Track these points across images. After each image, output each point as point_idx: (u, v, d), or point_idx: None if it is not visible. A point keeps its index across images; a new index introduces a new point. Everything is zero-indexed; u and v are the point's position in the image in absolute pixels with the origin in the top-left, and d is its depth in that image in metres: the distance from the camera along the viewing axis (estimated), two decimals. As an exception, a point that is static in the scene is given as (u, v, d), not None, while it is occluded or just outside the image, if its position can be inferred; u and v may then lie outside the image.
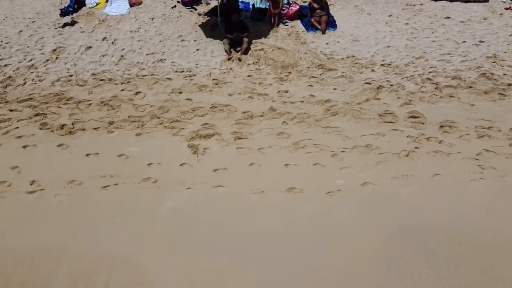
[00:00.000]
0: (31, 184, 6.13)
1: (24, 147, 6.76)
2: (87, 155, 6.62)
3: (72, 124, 7.19)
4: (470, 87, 7.95)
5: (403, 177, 6.18)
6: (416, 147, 6.66)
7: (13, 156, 6.58)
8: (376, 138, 6.86)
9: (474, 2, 11.13)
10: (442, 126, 7.06)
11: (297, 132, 6.99)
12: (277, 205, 5.77)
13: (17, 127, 7.13)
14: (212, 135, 6.94)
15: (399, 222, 5.56)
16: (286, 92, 7.92)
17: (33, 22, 10.39)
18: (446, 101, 7.64)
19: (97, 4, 11.21)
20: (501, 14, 10.57)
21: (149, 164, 6.44)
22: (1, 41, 9.50)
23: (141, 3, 11.23)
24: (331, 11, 10.46)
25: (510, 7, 10.85)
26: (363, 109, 7.46)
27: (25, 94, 7.92)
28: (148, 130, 7.09)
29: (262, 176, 6.22)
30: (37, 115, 7.39)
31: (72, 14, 10.71)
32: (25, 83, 8.22)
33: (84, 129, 7.10)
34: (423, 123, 7.15)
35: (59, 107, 7.60)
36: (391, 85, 8.05)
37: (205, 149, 6.70)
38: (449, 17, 10.41)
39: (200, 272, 5.05)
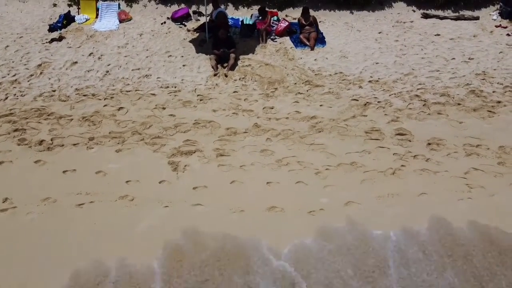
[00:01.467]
0: (3, 202, 5.91)
1: (0, 163, 6.57)
2: (64, 171, 6.43)
3: (51, 140, 7.01)
4: (459, 104, 7.83)
5: (389, 196, 5.99)
6: (402, 165, 6.49)
7: (-13, 173, 6.39)
8: (361, 155, 6.68)
9: (465, 19, 11.12)
10: (429, 144, 6.91)
11: (281, 149, 6.82)
12: (257, 225, 5.55)
13: (-6, 143, 6.97)
14: (194, 152, 6.77)
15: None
16: (272, 108, 7.78)
17: (21, 37, 10.31)
18: (434, 118, 7.50)
19: (87, 20, 11.17)
20: (491, 31, 10.54)
21: (127, 182, 6.25)
22: (-14, 57, 9.42)
23: (130, 19, 11.18)
24: (320, 28, 10.42)
25: (500, 24, 10.83)
26: (349, 126, 7.31)
27: (5, 109, 7.77)
28: (129, 146, 6.92)
29: (243, 194, 6.02)
30: (16, 130, 7.22)
31: (60, 30, 10.64)
32: (6, 98, 8.08)
33: (63, 145, 6.92)
34: (410, 141, 6.99)
35: (39, 122, 7.44)
36: (378, 102, 7.92)
37: (185, 166, 6.51)
38: (439, 34, 10.37)
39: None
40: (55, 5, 11.57)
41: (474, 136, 7.04)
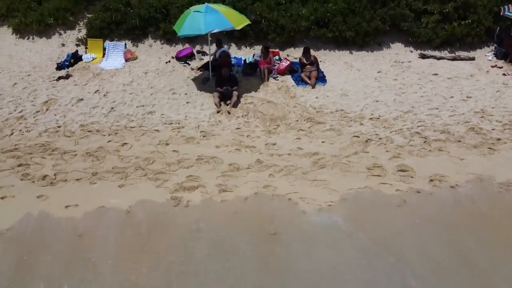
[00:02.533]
0: (4, 237, 5.88)
1: (2, 198, 6.57)
2: (66, 207, 6.41)
3: (55, 175, 7.05)
4: (459, 141, 7.91)
5: (392, 232, 5.95)
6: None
7: (-11, 207, 6.38)
8: (364, 191, 6.68)
9: (461, 60, 11.44)
10: (431, 180, 6.92)
11: (283, 184, 6.83)
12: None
13: (-2, 178, 6.99)
14: (196, 187, 6.78)
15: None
16: (274, 144, 7.86)
17: (29, 75, 10.58)
18: (435, 155, 7.56)
19: (94, 59, 11.50)
20: (487, 71, 10.81)
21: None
22: (-6, 93, 9.62)
23: (136, 58, 11.51)
24: (321, 67, 10.70)
25: (496, 65, 11.12)
26: (351, 162, 7.35)
27: (10, 144, 7.86)
28: (132, 181, 6.94)
29: (245, 230, 5.98)
30: (20, 165, 7.28)
31: (68, 68, 10.93)
32: (12, 133, 8.20)
33: (66, 180, 6.95)
34: (412, 177, 7.01)
35: (44, 157, 7.50)
36: (379, 139, 8.01)
37: (188, 201, 6.51)
38: (436, 74, 10.63)
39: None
40: (63, 44, 11.94)
41: (475, 173, 7.06)
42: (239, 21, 9.33)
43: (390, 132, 8.21)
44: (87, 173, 7.10)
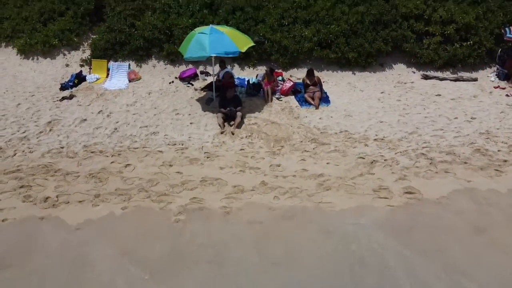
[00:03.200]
0: (4, 261, 5.75)
1: (3, 220, 6.46)
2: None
3: (57, 197, 6.95)
4: (465, 162, 7.84)
5: (401, 256, 5.82)
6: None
7: (-11, 230, 6.27)
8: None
9: (464, 80, 11.47)
10: (439, 202, 6.82)
11: (288, 207, 6.73)
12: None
13: (-1, 200, 6.90)
14: (201, 210, 6.67)
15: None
16: (278, 166, 7.79)
17: (33, 95, 10.60)
18: (442, 177, 7.47)
19: (98, 79, 11.55)
20: (490, 92, 10.83)
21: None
22: (-2, 114, 9.61)
23: (140, 78, 11.56)
24: (324, 88, 10.71)
25: (498, 86, 11.14)
26: (357, 184, 7.26)
27: (13, 165, 7.79)
28: (135, 203, 6.84)
29: (251, 254, 5.86)
30: (22, 187, 7.18)
31: (71, 89, 10.96)
32: (15, 154, 8.13)
33: (68, 202, 6.85)
34: (419, 199, 6.91)
35: (46, 179, 7.42)
36: (385, 160, 7.94)
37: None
38: (439, 95, 10.64)
39: None
40: (67, 65, 12.02)
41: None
42: (244, 43, 9.37)
43: (395, 153, 8.14)
44: (90, 195, 7.00)
